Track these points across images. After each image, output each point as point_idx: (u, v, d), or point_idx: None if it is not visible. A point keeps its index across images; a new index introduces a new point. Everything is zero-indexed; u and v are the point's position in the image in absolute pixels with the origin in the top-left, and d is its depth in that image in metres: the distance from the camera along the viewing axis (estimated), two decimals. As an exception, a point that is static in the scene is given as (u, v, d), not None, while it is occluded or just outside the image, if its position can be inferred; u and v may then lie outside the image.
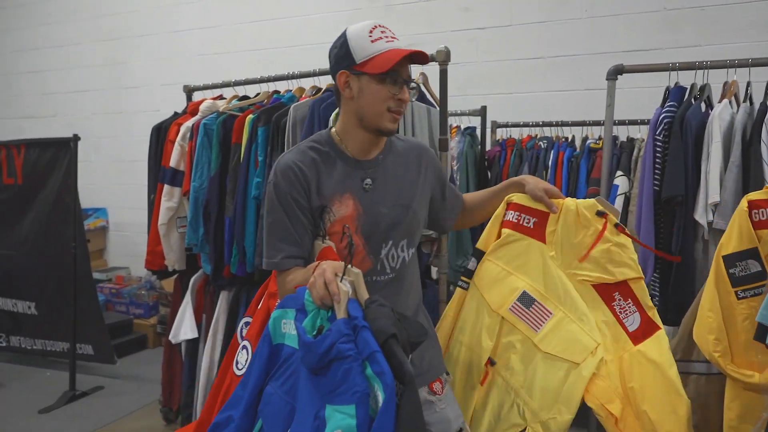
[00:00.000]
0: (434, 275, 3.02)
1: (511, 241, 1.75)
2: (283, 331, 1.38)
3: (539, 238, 1.71)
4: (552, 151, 3.39)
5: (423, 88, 2.70)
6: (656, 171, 2.26)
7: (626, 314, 1.63)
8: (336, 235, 1.58)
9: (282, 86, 3.14)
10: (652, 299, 2.35)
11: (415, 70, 2.67)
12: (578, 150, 3.45)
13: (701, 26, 3.52)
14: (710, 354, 1.62)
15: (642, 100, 3.12)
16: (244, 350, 1.82)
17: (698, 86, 2.38)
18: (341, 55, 1.54)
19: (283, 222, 1.56)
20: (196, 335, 3.11)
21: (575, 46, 3.84)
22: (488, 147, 3.76)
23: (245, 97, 3.20)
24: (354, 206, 1.58)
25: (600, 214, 1.64)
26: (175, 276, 3.33)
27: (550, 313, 1.65)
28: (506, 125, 3.79)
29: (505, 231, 1.77)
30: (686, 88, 2.38)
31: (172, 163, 3.11)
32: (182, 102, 3.48)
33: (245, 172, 2.82)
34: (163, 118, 3.37)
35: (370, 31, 1.53)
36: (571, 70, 3.85)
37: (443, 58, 2.49)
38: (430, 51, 2.48)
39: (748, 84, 2.32)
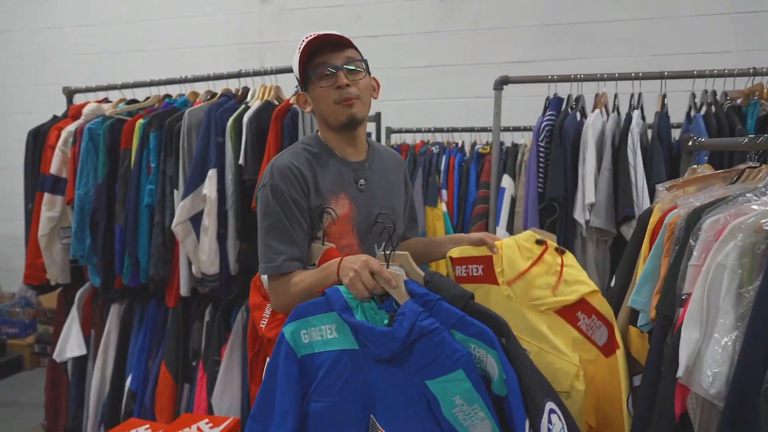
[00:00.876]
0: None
1: None
2: (306, 341, 1.31)
3: (492, 282, 1.69)
4: (444, 156, 3.55)
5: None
6: (540, 174, 2.44)
7: (593, 330, 1.65)
8: (334, 236, 1.56)
9: (173, 90, 3.04)
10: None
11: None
12: (468, 155, 3.64)
13: (576, 41, 3.84)
14: None
15: (523, 108, 3.35)
16: None
17: (573, 97, 2.60)
18: (297, 82, 1.62)
19: (282, 224, 1.52)
20: (84, 352, 2.94)
21: (463, 55, 4.04)
22: (383, 152, 3.85)
23: (134, 101, 3.07)
24: (349, 206, 1.59)
25: (539, 242, 1.68)
26: (58, 290, 3.12)
27: (526, 351, 1.66)
28: (400, 131, 3.91)
29: None
30: (563, 99, 2.59)
31: (53, 170, 2.92)
32: (60, 104, 3.27)
33: (136, 179, 2.71)
34: (37, 121, 3.15)
35: (298, 50, 1.56)
36: (460, 78, 4.04)
37: (340, 66, 2.54)
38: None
39: (615, 96, 2.57)
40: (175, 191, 2.64)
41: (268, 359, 1.51)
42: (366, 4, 4.17)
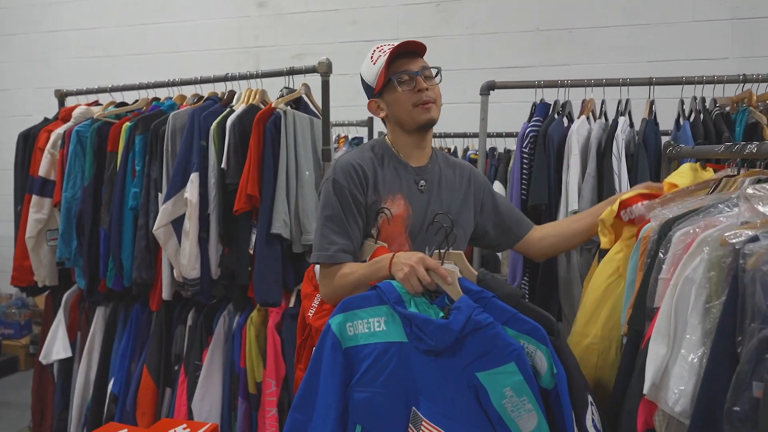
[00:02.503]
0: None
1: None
2: (351, 333, 1.37)
3: None
4: (436, 162, 3.50)
5: (306, 99, 2.72)
6: (523, 181, 2.40)
7: None
8: (386, 236, 1.63)
9: (162, 93, 3.04)
10: (522, 298, 2.52)
11: (297, 82, 2.69)
12: (461, 158, 3.60)
13: (571, 47, 3.80)
14: None
15: (516, 114, 3.30)
16: None
17: (561, 103, 2.56)
18: (365, 89, 1.73)
19: (339, 216, 1.61)
20: (69, 354, 2.94)
21: (458, 60, 4.01)
22: (376, 157, 3.83)
23: (123, 104, 3.07)
24: (405, 206, 1.65)
25: None
26: (46, 292, 3.12)
27: None
28: (393, 136, 3.87)
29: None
30: (550, 105, 2.56)
31: (42, 172, 2.93)
32: (55, 107, 3.28)
33: (121, 182, 2.71)
34: (36, 123, 3.16)
35: (371, 57, 1.66)
36: (455, 83, 3.99)
37: (325, 70, 2.52)
38: (315, 62, 2.52)
39: (603, 102, 2.53)
40: (160, 194, 2.63)
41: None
42: (362, 8, 4.16)
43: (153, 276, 2.67)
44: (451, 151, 3.64)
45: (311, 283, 1.79)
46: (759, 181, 1.46)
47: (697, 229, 1.36)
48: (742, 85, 2.38)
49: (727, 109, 2.36)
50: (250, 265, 2.48)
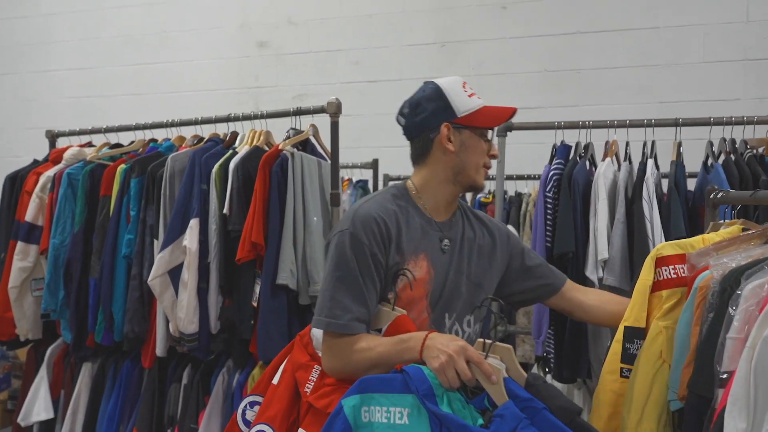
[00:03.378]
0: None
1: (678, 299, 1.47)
2: (365, 420, 1.19)
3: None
4: (444, 205, 3.37)
5: (313, 140, 2.58)
6: (548, 227, 2.26)
7: None
8: (405, 301, 1.44)
9: (160, 134, 2.91)
10: (547, 356, 2.34)
11: (305, 122, 2.56)
12: (469, 204, 3.46)
13: (579, 88, 3.73)
14: None
15: (527, 156, 3.20)
16: None
17: (582, 145, 2.44)
18: (440, 108, 1.50)
19: (355, 278, 1.39)
20: (51, 415, 2.72)
21: (464, 102, 3.92)
22: (381, 200, 3.69)
23: (118, 145, 2.93)
24: (427, 268, 1.47)
25: None
26: (29, 346, 2.91)
27: None
28: (398, 178, 3.76)
29: (665, 293, 1.50)
30: (571, 146, 2.44)
31: (28, 217, 2.77)
32: (45, 148, 3.13)
33: (114, 228, 2.55)
34: (25, 165, 3.01)
35: (463, 86, 1.54)
36: (460, 125, 3.91)
37: (334, 110, 2.40)
38: (321, 102, 2.40)
39: (627, 144, 2.42)
40: (156, 242, 2.46)
41: (300, 430, 1.40)
42: (365, 48, 4.09)
43: (146, 330, 2.49)
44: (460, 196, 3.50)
45: (306, 350, 1.53)
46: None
47: (774, 283, 1.21)
48: (772, 125, 2.28)
49: (761, 150, 2.25)
50: (252, 318, 2.29)
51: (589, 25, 3.74)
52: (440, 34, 3.98)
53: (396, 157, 4.01)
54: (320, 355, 1.45)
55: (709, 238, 1.55)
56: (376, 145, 3.96)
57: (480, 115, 1.50)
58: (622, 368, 1.50)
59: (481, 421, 1.15)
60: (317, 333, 1.48)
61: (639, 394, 1.45)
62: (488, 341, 1.23)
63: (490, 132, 1.54)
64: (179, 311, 2.31)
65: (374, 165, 3.69)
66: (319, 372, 1.46)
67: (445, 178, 1.52)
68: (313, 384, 1.44)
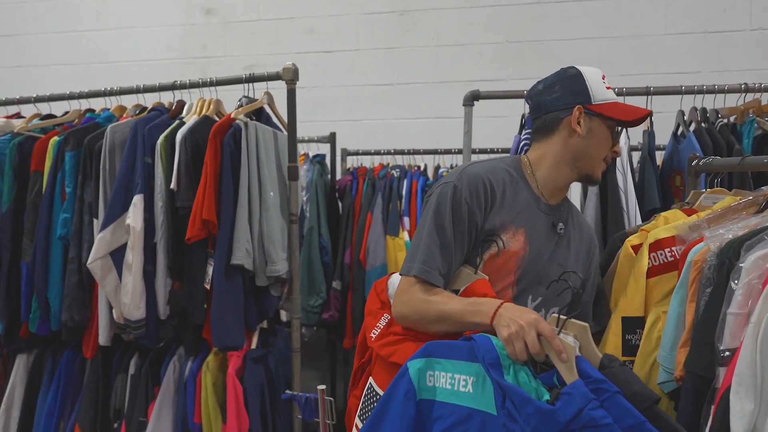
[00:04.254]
0: (284, 318, 2.70)
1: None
2: (430, 384, 1.17)
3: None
4: (405, 181, 3.24)
5: (268, 110, 2.40)
6: (519, 200, 2.16)
7: None
8: (491, 270, 1.40)
9: (97, 105, 2.65)
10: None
11: (258, 92, 2.37)
12: (431, 179, 3.35)
13: (541, 59, 3.63)
14: None
15: (490, 128, 3.10)
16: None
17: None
18: (577, 90, 1.46)
19: (448, 233, 1.38)
20: (-18, 412, 2.48)
21: (423, 73, 3.78)
22: (338, 176, 3.54)
23: (50, 116, 2.66)
24: (524, 244, 1.43)
25: None
26: (-45, 338, 2.65)
27: None
28: (357, 153, 3.60)
29: (663, 277, 1.46)
30: (541, 116, 2.33)
31: (-52, 196, 2.48)
32: (-31, 121, 2.83)
33: (48, 207, 2.33)
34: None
35: (602, 78, 1.50)
36: (421, 97, 3.77)
37: (290, 77, 2.24)
38: (274, 71, 2.23)
39: (598, 113, 2.33)
40: (95, 221, 2.26)
41: (371, 379, 1.39)
42: (319, 16, 3.87)
43: (87, 317, 2.30)
44: (422, 169, 3.38)
45: (378, 298, 1.52)
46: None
47: (777, 254, 1.13)
48: (743, 95, 2.23)
49: (733, 119, 2.20)
50: (205, 302, 2.14)
51: (551, -6, 3.64)
52: (399, 2, 3.80)
53: (354, 130, 3.87)
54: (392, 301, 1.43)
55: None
56: (333, 119, 3.79)
57: (614, 108, 1.47)
58: (624, 362, 1.42)
59: (547, 397, 1.09)
60: (395, 281, 1.46)
61: None
62: (563, 317, 1.17)
63: (618, 128, 1.49)
64: (123, 296, 2.13)
65: (331, 139, 3.52)
66: (387, 320, 1.44)
67: (564, 160, 1.47)
68: (379, 331, 1.43)
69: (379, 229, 3.10)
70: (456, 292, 1.39)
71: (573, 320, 1.17)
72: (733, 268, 1.17)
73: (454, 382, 1.15)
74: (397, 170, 3.32)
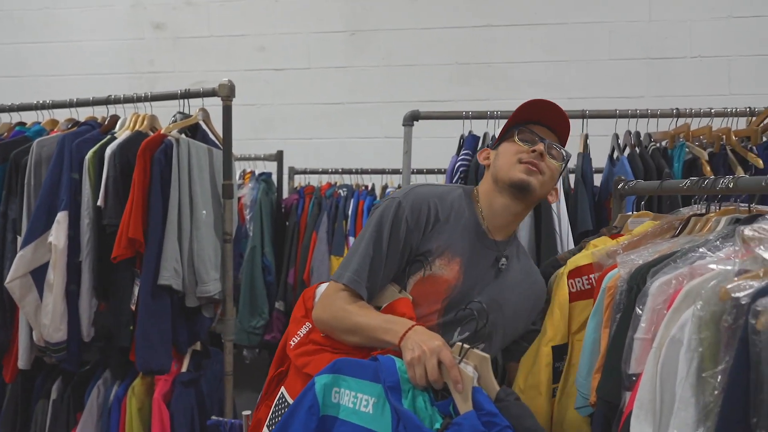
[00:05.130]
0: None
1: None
2: (334, 400, 1.17)
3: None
4: (352, 200, 3.22)
5: (204, 126, 2.36)
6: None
7: None
8: (416, 294, 1.39)
9: (30, 118, 2.57)
10: None
11: (195, 105, 2.33)
12: (378, 199, 3.33)
13: (490, 81, 3.67)
14: None
15: (436, 149, 3.10)
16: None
17: (490, 135, 2.36)
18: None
19: (384, 247, 1.37)
20: None
21: (373, 93, 3.78)
22: (285, 195, 3.50)
23: (-23, 129, 2.56)
24: (457, 274, 1.40)
25: None
26: None
27: None
28: (304, 172, 3.56)
29: (580, 304, 1.47)
30: (479, 137, 2.35)
31: None
32: None
33: (-31, 224, 2.21)
34: None
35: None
36: (370, 116, 3.77)
37: (227, 93, 2.21)
38: (219, 83, 2.19)
39: (535, 135, 2.35)
40: (18, 238, 2.17)
41: (283, 388, 1.38)
42: (270, 34, 3.85)
43: (7, 339, 2.20)
44: (369, 188, 3.36)
45: (305, 305, 1.49)
46: (737, 221, 1.27)
47: (681, 278, 1.13)
48: (675, 120, 2.27)
49: (664, 143, 2.24)
50: (131, 324, 2.06)
51: (500, 18, 3.69)
52: (350, 21, 3.81)
53: (302, 149, 3.84)
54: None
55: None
56: (282, 137, 3.75)
57: (506, 126, 1.51)
58: (554, 388, 1.43)
59: (438, 425, 1.11)
60: (323, 289, 1.46)
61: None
62: (466, 346, 1.17)
63: (526, 132, 1.47)
64: (44, 317, 2.04)
65: (279, 157, 3.48)
66: (308, 328, 1.43)
67: (492, 188, 1.47)
68: (299, 339, 1.42)
69: (323, 249, 3.06)
70: (379, 308, 1.38)
71: (475, 350, 1.17)
72: (639, 294, 1.17)
73: (356, 401, 1.15)
74: (344, 189, 3.29)
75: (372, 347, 1.30)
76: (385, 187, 3.41)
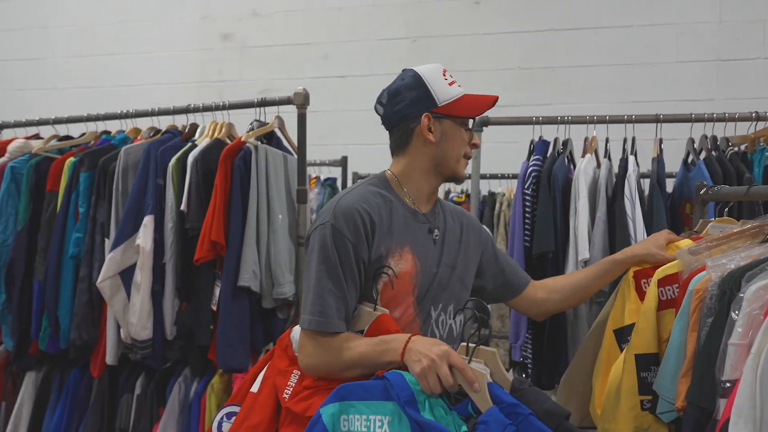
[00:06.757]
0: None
1: None
2: (344, 429, 1.15)
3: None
4: (415, 205, 3.25)
5: (279, 133, 2.43)
6: (526, 226, 2.16)
7: None
8: (389, 300, 1.38)
9: (114, 127, 2.71)
10: (525, 362, 2.24)
11: (270, 116, 2.41)
12: (442, 203, 3.35)
13: (553, 86, 3.66)
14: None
15: (500, 154, 3.11)
16: None
17: (560, 141, 2.35)
18: (420, 97, 1.44)
19: (336, 273, 1.33)
20: (-10, 430, 2.50)
21: (435, 99, 3.81)
22: (350, 199, 3.56)
23: (67, 138, 2.72)
24: (413, 261, 1.41)
25: None
26: (-33, 354, 2.68)
27: None
28: (368, 176, 3.62)
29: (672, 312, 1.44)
30: (549, 142, 2.34)
31: (-34, 214, 2.53)
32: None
33: (62, 226, 2.36)
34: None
35: (443, 74, 1.48)
36: (432, 122, 3.81)
37: (301, 101, 2.27)
38: (286, 95, 2.26)
39: (607, 140, 2.34)
40: (107, 241, 2.29)
41: None
42: (334, 42, 3.95)
43: (95, 336, 2.30)
44: (432, 193, 3.39)
45: (285, 354, 1.44)
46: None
47: (780, 284, 1.12)
48: (755, 123, 2.22)
49: (743, 147, 2.19)
50: (212, 324, 2.14)
51: (563, 22, 3.67)
52: (412, 29, 3.87)
53: (365, 154, 3.89)
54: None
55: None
56: (345, 143, 3.83)
57: (461, 104, 1.46)
58: (642, 400, 1.42)
59: (464, 428, 1.11)
60: (295, 335, 1.40)
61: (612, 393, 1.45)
62: (472, 345, 1.19)
63: (470, 121, 1.51)
64: (131, 316, 2.14)
65: (343, 162, 3.55)
66: (298, 376, 1.38)
67: (426, 169, 1.46)
68: (291, 389, 1.37)
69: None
70: (361, 332, 1.36)
71: (482, 347, 1.19)
72: (734, 299, 1.16)
73: (369, 423, 1.14)
74: (408, 194, 3.32)
75: (371, 374, 1.26)
76: (447, 192, 3.43)
